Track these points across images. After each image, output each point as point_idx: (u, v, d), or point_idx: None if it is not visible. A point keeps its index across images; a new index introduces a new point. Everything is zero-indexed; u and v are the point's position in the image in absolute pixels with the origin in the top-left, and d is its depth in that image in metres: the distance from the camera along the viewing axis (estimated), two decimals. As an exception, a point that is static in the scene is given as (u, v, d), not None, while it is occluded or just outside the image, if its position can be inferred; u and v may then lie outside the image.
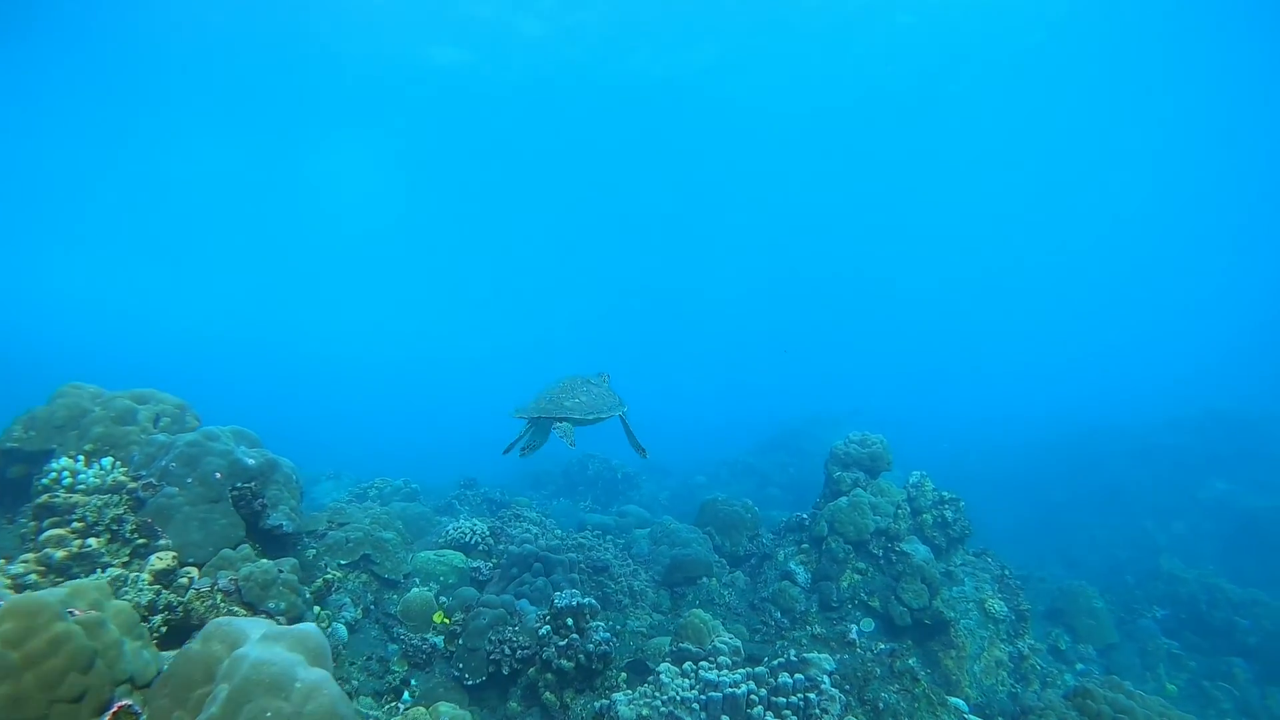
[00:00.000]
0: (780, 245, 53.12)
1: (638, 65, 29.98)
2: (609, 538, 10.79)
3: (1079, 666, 9.61)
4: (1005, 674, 7.66)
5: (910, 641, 7.42)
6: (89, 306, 58.28)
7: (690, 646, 5.86)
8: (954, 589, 7.86)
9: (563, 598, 5.67)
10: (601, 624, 5.55)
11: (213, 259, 55.91)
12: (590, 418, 5.38)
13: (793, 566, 8.15)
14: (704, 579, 8.46)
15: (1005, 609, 7.83)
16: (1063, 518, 21.15)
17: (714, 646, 5.84)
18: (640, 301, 66.15)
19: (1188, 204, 43.33)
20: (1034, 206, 46.34)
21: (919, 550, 7.81)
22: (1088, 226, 48.80)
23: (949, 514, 8.11)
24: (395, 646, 6.11)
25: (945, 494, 8.29)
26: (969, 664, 7.40)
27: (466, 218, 49.96)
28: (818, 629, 7.52)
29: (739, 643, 5.97)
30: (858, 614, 7.69)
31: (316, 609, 4.95)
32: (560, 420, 5.39)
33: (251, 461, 4.86)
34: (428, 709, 4.77)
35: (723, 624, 7.84)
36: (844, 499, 8.24)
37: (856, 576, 7.86)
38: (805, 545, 8.34)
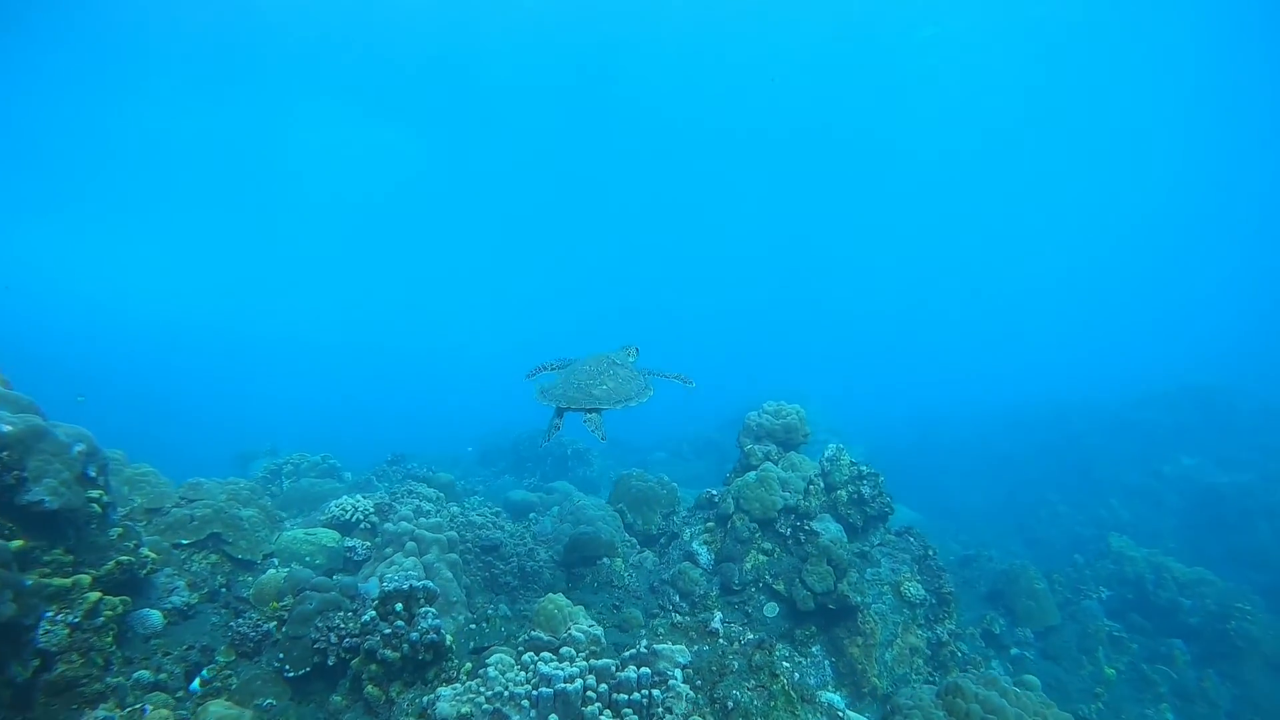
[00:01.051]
0: (766, 227, 52.29)
1: (629, 67, 29.23)
2: (531, 516, 10.26)
3: (1014, 651, 9.14)
4: (921, 661, 7.14)
5: (814, 627, 6.89)
6: (56, 284, 57.21)
7: (542, 635, 5.29)
8: (868, 571, 7.32)
9: (393, 580, 5.08)
10: (433, 610, 4.96)
11: (188, 240, 54.53)
12: (619, 406, 5.07)
13: (695, 547, 7.60)
14: (604, 560, 7.90)
15: (923, 592, 7.30)
16: (1031, 495, 20.72)
17: (570, 635, 5.27)
18: (621, 276, 65.37)
19: (1163, 181, 42.65)
20: (1010, 190, 45.59)
21: (830, 529, 7.24)
22: (1065, 208, 48.06)
23: (866, 490, 7.54)
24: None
25: (863, 468, 7.71)
26: (879, 651, 6.87)
27: (445, 195, 49.01)
28: (678, 618, 6.98)
29: (600, 631, 5.40)
30: (761, 598, 7.16)
31: (93, 596, 4.35)
32: (590, 411, 5.08)
33: (7, 428, 4.23)
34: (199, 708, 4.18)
35: (619, 608, 7.30)
36: (752, 474, 7.67)
37: (762, 558, 7.30)
38: (711, 524, 7.78)
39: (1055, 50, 30.72)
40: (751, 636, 5.44)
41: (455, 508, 8.63)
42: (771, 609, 7.06)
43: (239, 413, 38.55)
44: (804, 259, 58.99)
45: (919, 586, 7.29)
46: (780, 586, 7.07)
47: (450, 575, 6.84)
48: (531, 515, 10.12)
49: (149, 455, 7.53)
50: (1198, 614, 9.76)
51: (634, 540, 8.73)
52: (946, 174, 42.80)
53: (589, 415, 5.11)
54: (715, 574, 7.37)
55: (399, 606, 4.90)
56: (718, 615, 5.68)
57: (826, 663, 6.79)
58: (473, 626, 6.49)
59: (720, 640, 5.31)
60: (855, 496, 7.54)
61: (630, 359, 5.84)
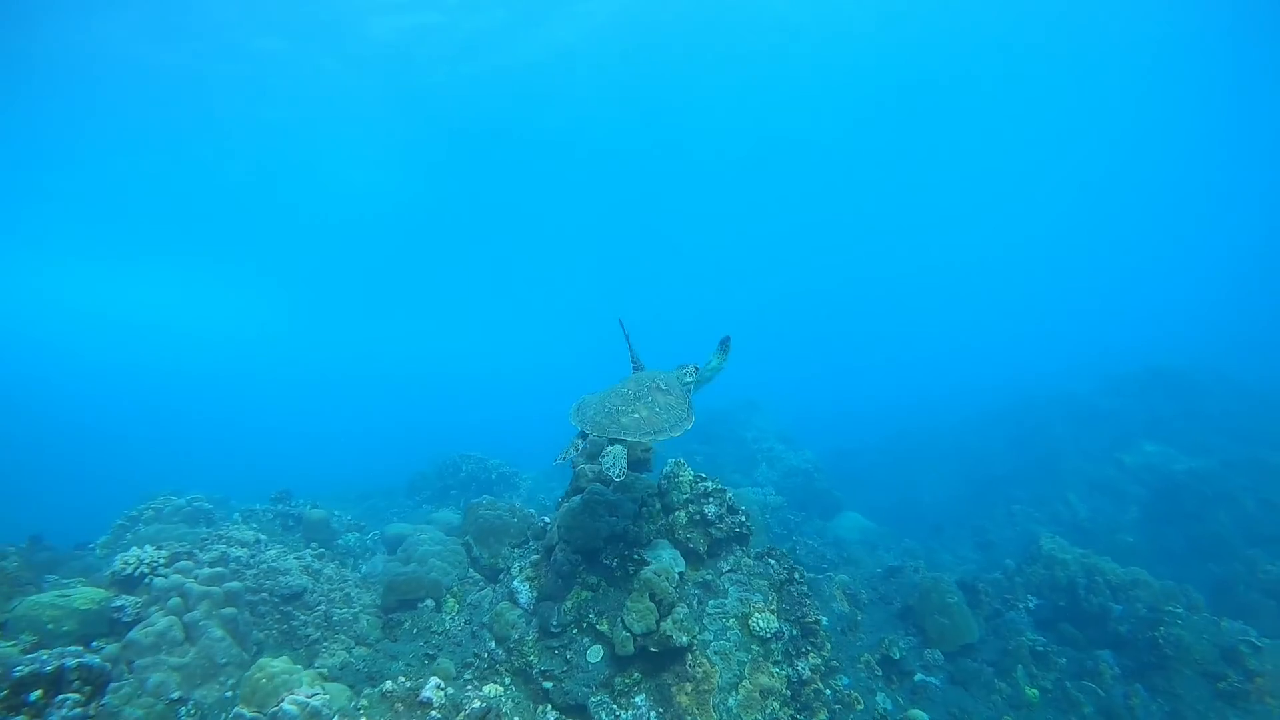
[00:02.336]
0: (727, 230, 51.49)
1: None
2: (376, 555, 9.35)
3: (918, 678, 8.16)
4: (777, 704, 6.15)
5: (638, 674, 5.94)
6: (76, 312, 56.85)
7: (245, 712, 4.39)
8: (710, 603, 6.38)
9: (48, 659, 4.20)
10: (76, 697, 4.06)
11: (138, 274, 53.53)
12: (646, 439, 4.71)
13: (517, 584, 6.69)
14: (428, 602, 6.99)
15: (778, 624, 6.35)
16: (997, 492, 19.81)
17: (281, 710, 4.36)
18: (571, 285, 64.34)
19: (1134, 164, 41.87)
20: (979, 183, 44.82)
21: (662, 558, 6.34)
22: (1037, 197, 47.22)
23: (710, 509, 6.63)
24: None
25: (710, 484, 6.81)
26: (719, 697, 5.91)
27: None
28: (389, 686, 6.11)
29: (323, 700, 4.49)
30: (584, 640, 6.23)
31: None
32: (613, 441, 4.77)
33: None
34: None
35: (433, 658, 6.40)
36: (577, 497, 6.76)
37: (585, 594, 6.38)
38: (536, 557, 6.87)
39: (1012, 33, 30.04)
40: (478, 705, 4.51)
41: (273, 551, 7.72)
42: (595, 653, 6.13)
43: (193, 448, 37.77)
44: (768, 261, 57.99)
45: (772, 618, 6.34)
46: (604, 627, 6.14)
47: (221, 634, 5.96)
48: (377, 555, 9.23)
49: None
50: (1128, 620, 8.78)
51: (479, 576, 7.82)
52: (912, 170, 42.06)
53: (610, 446, 4.78)
54: (535, 614, 6.45)
55: (34, 695, 4.01)
56: (432, 681, 4.73)
57: (652, 714, 5.84)
58: (228, 694, 5.58)
59: (433, 714, 4.39)
60: (697, 518, 6.63)
61: (688, 379, 5.39)
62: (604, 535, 6.46)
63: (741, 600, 6.42)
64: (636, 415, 4.71)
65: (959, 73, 32.34)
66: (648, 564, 6.26)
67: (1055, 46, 30.52)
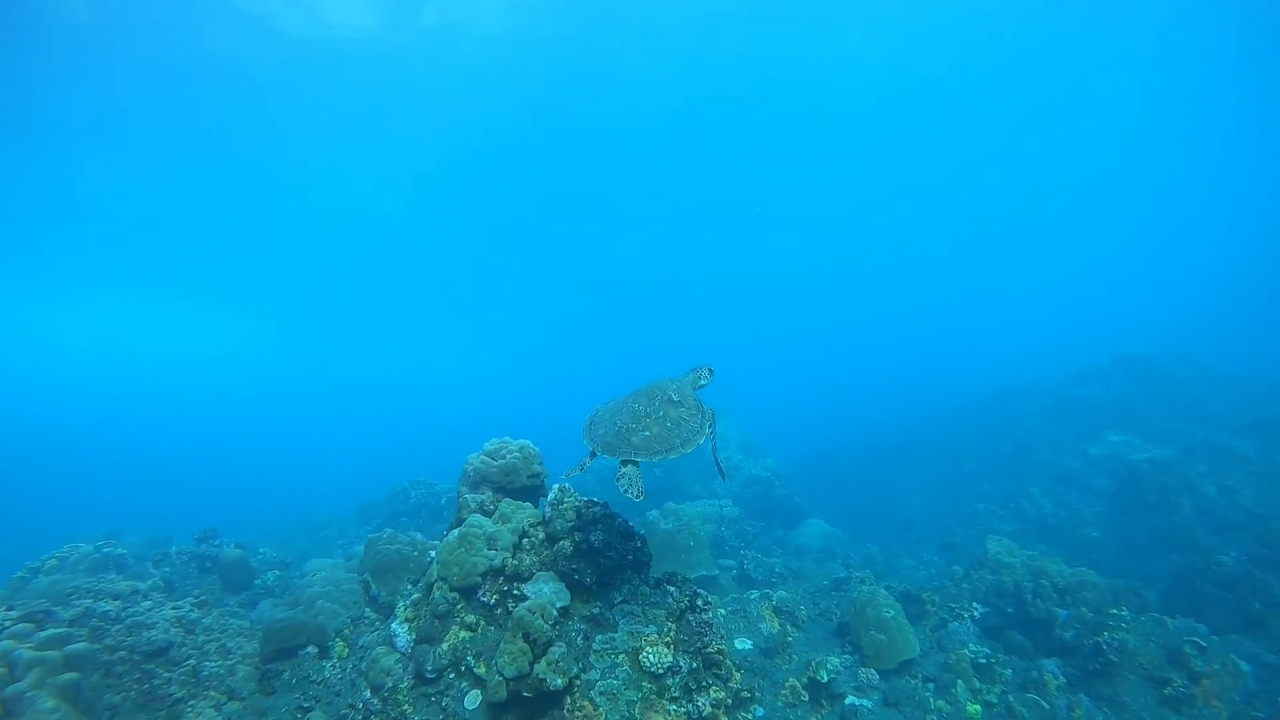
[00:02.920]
0: (696, 235, 51.12)
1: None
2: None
3: (849, 700, 7.69)
4: (675, 742, 5.71)
5: (515, 720, 5.47)
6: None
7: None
8: (598, 639, 5.91)
9: None
10: None
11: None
12: (658, 458, 4.46)
13: (395, 626, 6.20)
14: (309, 649, 6.49)
15: (672, 657, 5.87)
16: (965, 490, 19.44)
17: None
18: (528, 293, 63.73)
19: (1101, 154, 41.84)
20: (950, 179, 44.73)
21: (543, 592, 5.87)
22: (1009, 190, 47.13)
23: (597, 537, 6.17)
24: None
25: (598, 510, 6.35)
26: (603, 741, 5.45)
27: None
28: (407, 707, 5.61)
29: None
30: (463, 685, 5.76)
31: None
32: (625, 463, 4.46)
33: None
34: None
35: (308, 710, 5.90)
36: (456, 530, 6.29)
37: (464, 634, 5.91)
38: (418, 595, 6.39)
39: (974, 32, 29.90)
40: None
41: (147, 604, 7.19)
42: (473, 699, 5.65)
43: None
44: (736, 260, 57.40)
45: (666, 651, 5.87)
46: (482, 670, 5.67)
47: (54, 704, 5.44)
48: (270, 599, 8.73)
49: None
50: (1074, 626, 8.34)
51: (376, 616, 7.33)
52: (884, 166, 41.88)
53: (623, 468, 4.47)
54: (412, 659, 5.97)
55: None
56: None
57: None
58: (56, 774, 5.07)
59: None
60: (583, 547, 6.17)
61: (703, 382, 5.19)
62: (481, 570, 6.00)
63: (632, 634, 5.95)
64: (647, 433, 4.49)
65: (928, 71, 32.10)
66: (528, 599, 5.81)
67: (1026, 43, 30.34)
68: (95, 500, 29.59)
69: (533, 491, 6.91)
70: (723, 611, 8.44)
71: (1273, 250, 58.87)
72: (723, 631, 7.40)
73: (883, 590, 8.81)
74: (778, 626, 8.48)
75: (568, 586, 6.07)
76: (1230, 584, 9.68)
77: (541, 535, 6.28)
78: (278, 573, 10.36)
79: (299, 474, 38.36)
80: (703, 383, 5.20)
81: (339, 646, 6.76)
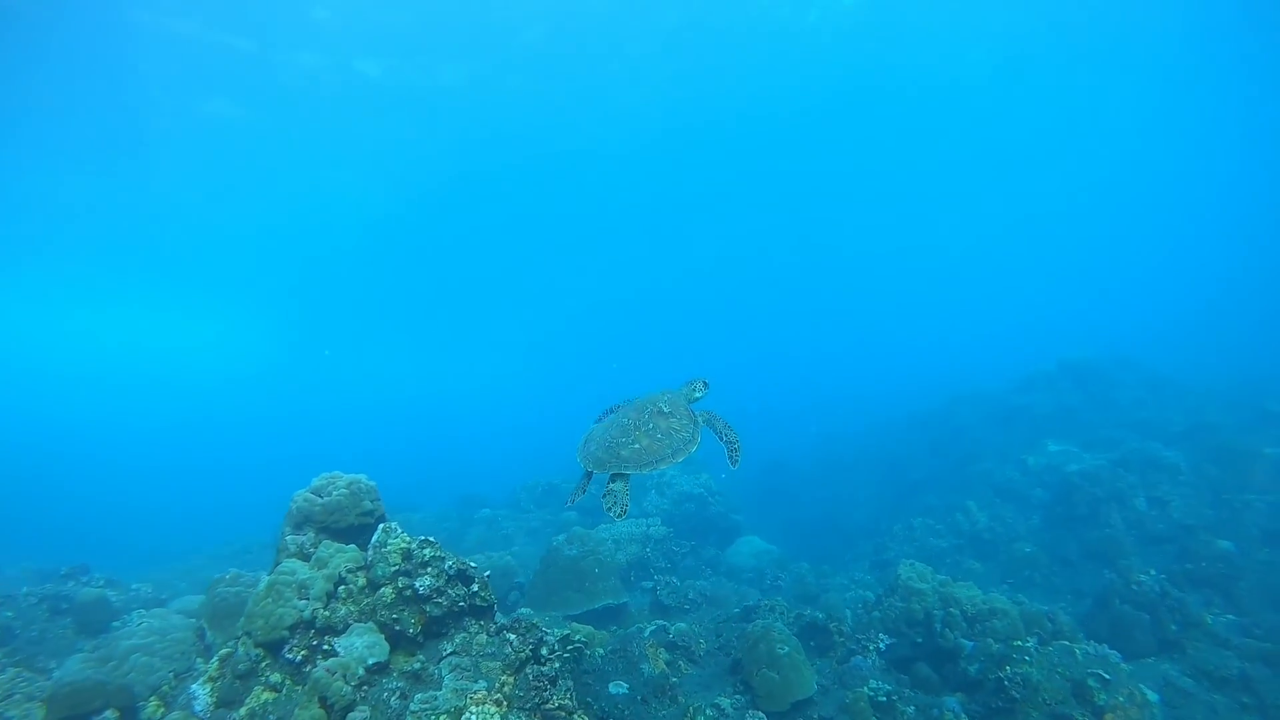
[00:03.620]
0: (643, 247, 50.51)
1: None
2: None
3: (732, 745, 7.10)
4: (506, 813, 5.08)
5: (307, 799, 4.79)
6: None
7: None
8: (416, 698, 5.25)
9: None
10: None
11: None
12: (648, 470, 4.45)
13: (195, 688, 5.51)
14: (107, 714, 5.77)
15: (499, 716, 5.24)
16: (912, 501, 19.08)
17: None
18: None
19: (1057, 164, 42.13)
20: (895, 189, 44.70)
21: (353, 646, 5.22)
22: (968, 195, 47.25)
23: (424, 582, 5.54)
24: None
25: (428, 552, 5.72)
26: (413, 816, 4.81)
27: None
28: None
29: None
30: (259, 758, 5.07)
31: None
32: (615, 478, 4.51)
33: None
34: None
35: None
36: (267, 578, 5.63)
37: (267, 696, 5.23)
38: (226, 649, 5.70)
39: (929, 43, 29.78)
40: None
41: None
42: (268, 775, 4.98)
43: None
44: (690, 265, 56.53)
45: (494, 710, 5.24)
46: (281, 740, 5.00)
47: None
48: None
49: None
50: (979, 659, 7.85)
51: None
52: (838, 172, 41.69)
53: (611, 484, 4.50)
54: (207, 729, 5.28)
55: None
56: None
57: None
58: None
59: None
60: (407, 594, 5.53)
61: (697, 395, 5.18)
62: (289, 623, 5.34)
63: (458, 691, 5.31)
64: (637, 446, 4.47)
65: (876, 81, 31.85)
66: (338, 655, 5.16)
67: (974, 59, 30.30)
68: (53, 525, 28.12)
69: (364, 532, 6.26)
70: (600, 651, 7.82)
71: (1221, 256, 60.01)
72: (592, 677, 6.84)
73: (779, 624, 8.25)
74: (663, 665, 7.88)
75: (388, 638, 5.43)
76: (1148, 604, 9.28)
77: (361, 581, 5.64)
78: (141, 612, 9.56)
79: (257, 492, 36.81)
80: (697, 395, 5.18)
81: (152, 707, 6.04)
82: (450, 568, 5.69)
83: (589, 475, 4.90)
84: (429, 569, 5.65)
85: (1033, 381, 20.93)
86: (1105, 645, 8.63)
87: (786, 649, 7.88)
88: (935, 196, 46.23)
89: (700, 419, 4.95)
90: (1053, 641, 8.22)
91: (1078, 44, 29.46)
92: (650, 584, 12.81)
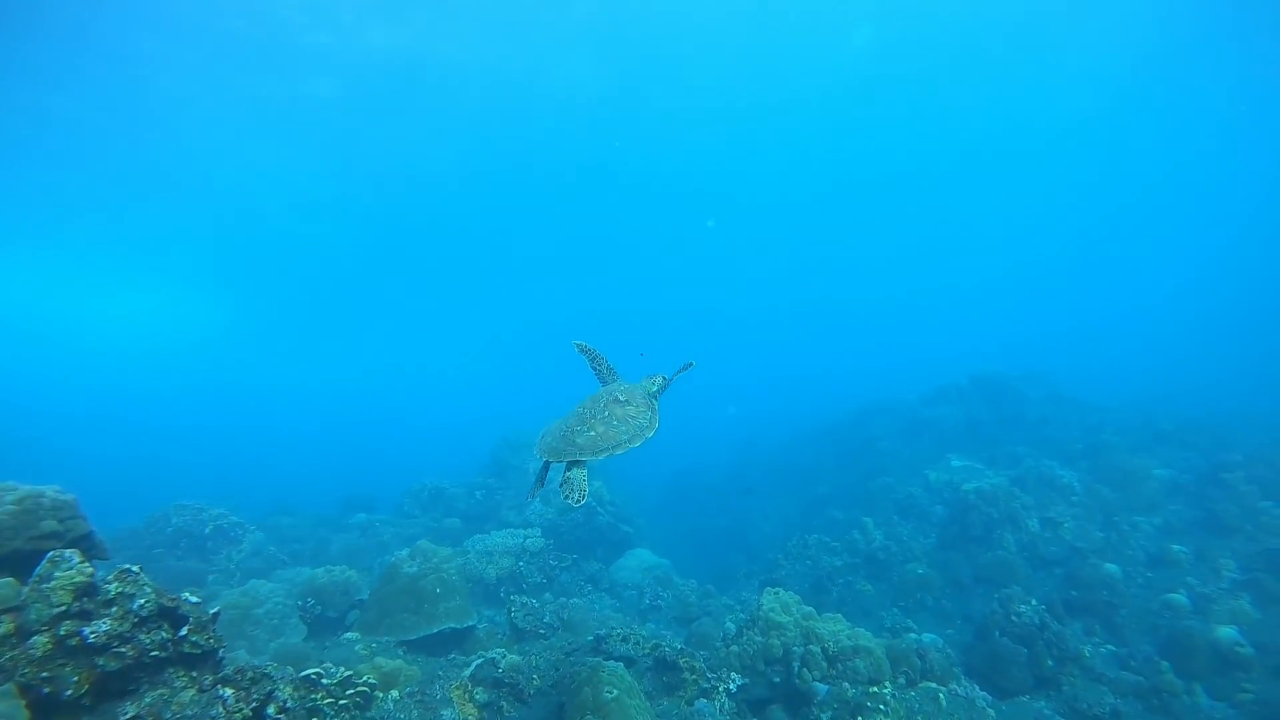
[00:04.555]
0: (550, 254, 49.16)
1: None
2: None
3: (538, 811, 5.99)
4: None
5: None
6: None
7: None
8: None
9: None
10: None
11: None
12: (603, 455, 4.39)
13: None
14: None
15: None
16: (818, 515, 18.42)
17: None
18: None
19: (974, 177, 42.70)
20: (820, 199, 44.70)
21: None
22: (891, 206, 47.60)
23: (100, 629, 4.24)
24: None
25: (118, 587, 4.42)
26: None
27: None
28: None
29: None
30: None
31: None
32: (571, 466, 4.45)
33: None
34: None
35: None
36: None
37: None
38: None
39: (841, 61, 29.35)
40: None
41: None
42: None
43: None
44: (603, 266, 55.20)
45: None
46: None
47: None
48: None
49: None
50: (831, 706, 6.96)
51: None
52: (764, 182, 41.33)
53: (568, 472, 4.40)
54: None
55: None
56: None
57: None
58: None
59: None
60: (72, 644, 4.21)
61: (654, 388, 5.16)
62: (-122, 688, 3.94)
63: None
64: (592, 433, 4.47)
65: (772, 93, 31.00)
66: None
67: (858, 77, 29.86)
68: None
69: (20, 560, 4.88)
70: (395, 695, 6.61)
71: (1132, 274, 62.65)
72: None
73: (609, 664, 7.19)
74: (472, 712, 6.72)
75: (34, 703, 4.09)
76: (1026, 637, 8.63)
77: (7, 628, 4.28)
78: None
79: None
80: (654, 389, 5.15)
81: None
82: (144, 607, 4.41)
83: (547, 467, 4.87)
84: (112, 609, 4.35)
85: (943, 394, 20.63)
86: (978, 684, 7.93)
87: (615, 692, 6.81)
88: (862, 206, 46.36)
89: (656, 405, 4.96)
90: (920, 682, 7.42)
91: (987, 59, 29.31)
92: (520, 602, 11.69)
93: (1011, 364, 22.43)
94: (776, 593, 8.37)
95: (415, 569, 9.49)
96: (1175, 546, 11.34)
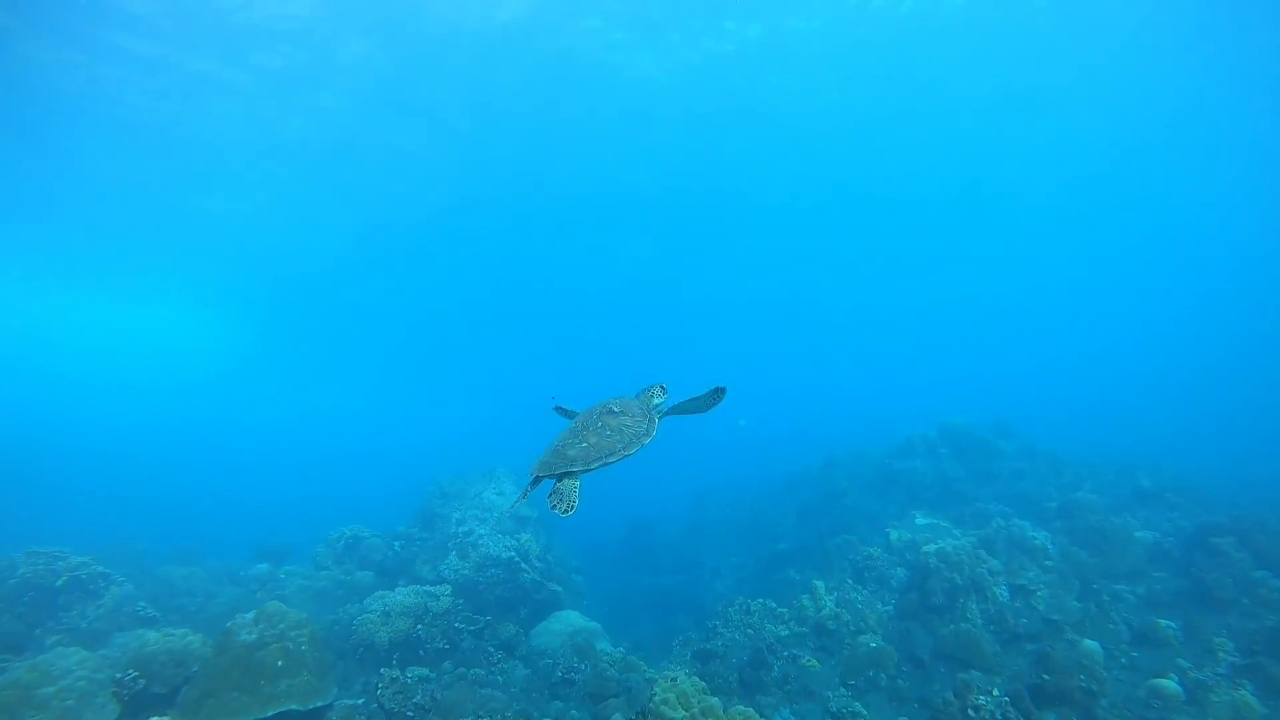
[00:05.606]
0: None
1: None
2: None
3: None
4: None
5: None
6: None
7: None
8: None
9: None
10: None
11: None
12: (596, 466, 4.22)
13: None
14: None
15: None
16: (775, 575, 16.85)
17: None
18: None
19: (946, 220, 42.34)
20: (793, 244, 44.17)
21: None
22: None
23: None
24: None
25: None
26: None
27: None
28: None
29: None
30: None
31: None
32: (562, 478, 4.20)
33: None
34: None
35: None
36: None
37: None
38: None
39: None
40: None
41: None
42: None
43: None
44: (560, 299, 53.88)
45: None
46: None
47: None
48: None
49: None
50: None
51: None
52: (723, 239, 40.62)
53: (559, 482, 4.19)
54: None
55: None
56: None
57: None
58: None
59: None
60: None
61: (656, 401, 4.92)
62: None
63: None
64: (584, 444, 4.29)
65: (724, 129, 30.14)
66: None
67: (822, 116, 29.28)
68: None
69: None
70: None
71: (1106, 325, 62.53)
72: None
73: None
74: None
75: None
76: (987, 737, 7.06)
77: None
78: None
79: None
80: (656, 401, 4.93)
81: None
82: None
83: (536, 482, 4.49)
84: None
85: (912, 446, 19.24)
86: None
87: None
88: (829, 251, 45.75)
89: (657, 416, 4.77)
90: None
91: (958, 107, 28.94)
92: (413, 674, 9.99)
93: (981, 414, 21.12)
94: (674, 680, 6.80)
95: (254, 636, 7.84)
96: (1163, 621, 9.88)
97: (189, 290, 42.17)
